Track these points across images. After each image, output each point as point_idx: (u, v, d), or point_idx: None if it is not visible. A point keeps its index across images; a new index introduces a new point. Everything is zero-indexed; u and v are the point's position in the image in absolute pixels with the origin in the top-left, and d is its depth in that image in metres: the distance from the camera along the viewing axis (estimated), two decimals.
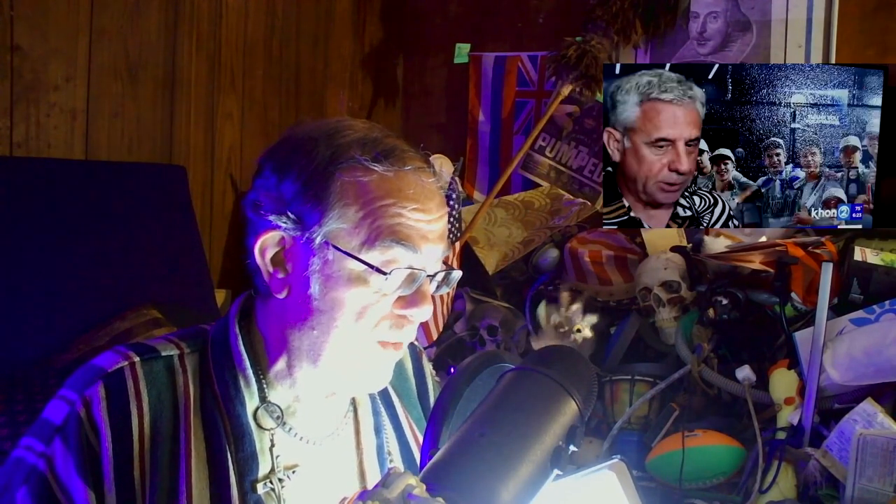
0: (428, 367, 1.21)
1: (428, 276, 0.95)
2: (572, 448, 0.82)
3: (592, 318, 2.28)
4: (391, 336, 0.96)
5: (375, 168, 0.92)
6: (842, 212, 1.96)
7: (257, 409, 0.96)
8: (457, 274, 1.01)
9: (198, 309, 2.18)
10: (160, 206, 2.24)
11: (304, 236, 0.92)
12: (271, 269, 0.95)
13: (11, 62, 1.96)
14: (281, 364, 0.98)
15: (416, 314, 0.95)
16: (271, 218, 0.93)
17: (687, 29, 2.58)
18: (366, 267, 0.91)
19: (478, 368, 0.95)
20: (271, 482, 0.94)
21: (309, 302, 0.93)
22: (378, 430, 1.07)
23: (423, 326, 2.34)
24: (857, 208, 1.97)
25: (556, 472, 0.80)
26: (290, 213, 0.92)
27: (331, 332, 0.93)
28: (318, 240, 0.92)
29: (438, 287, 0.99)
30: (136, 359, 0.94)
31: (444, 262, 0.99)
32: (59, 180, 2.02)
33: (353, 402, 1.07)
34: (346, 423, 1.05)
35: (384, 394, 1.11)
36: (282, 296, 0.95)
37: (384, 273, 0.91)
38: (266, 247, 0.95)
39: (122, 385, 0.92)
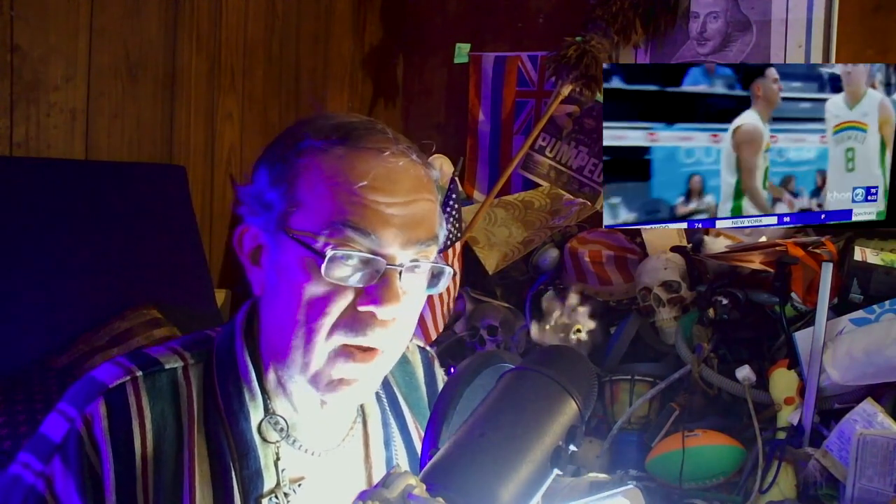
0: (440, 374, 1.16)
1: (392, 266, 0.86)
2: (572, 448, 0.81)
3: (592, 318, 2.28)
4: (352, 338, 0.87)
5: (328, 149, 0.87)
6: (857, 194, 1.96)
7: (261, 422, 0.93)
8: (448, 270, 0.92)
9: (198, 309, 2.18)
10: (160, 206, 2.24)
11: (267, 226, 0.89)
12: (251, 265, 0.93)
13: (11, 62, 1.96)
14: (271, 373, 0.94)
15: (380, 312, 0.85)
16: (246, 211, 0.92)
17: (687, 29, 2.58)
18: (313, 253, 0.84)
19: (478, 368, 0.93)
20: (277, 496, 0.91)
21: (276, 297, 0.89)
22: (387, 443, 1.03)
23: (422, 326, 2.33)
24: (873, 190, 1.98)
25: (556, 472, 0.80)
26: (258, 206, 0.90)
27: (294, 331, 0.87)
28: (275, 227, 0.88)
29: (431, 285, 0.91)
30: (139, 373, 0.90)
31: (444, 259, 0.95)
32: (59, 180, 2.02)
33: (363, 414, 1.03)
34: (353, 435, 1.01)
35: (394, 404, 1.06)
36: (259, 293, 0.93)
37: (322, 256, 0.83)
38: (243, 241, 0.93)
39: (125, 402, 0.88)
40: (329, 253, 0.83)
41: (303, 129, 0.91)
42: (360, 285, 0.86)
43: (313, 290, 0.86)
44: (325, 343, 0.87)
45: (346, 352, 0.88)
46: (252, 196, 0.92)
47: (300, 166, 0.87)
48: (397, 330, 0.90)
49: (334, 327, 0.87)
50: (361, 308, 0.86)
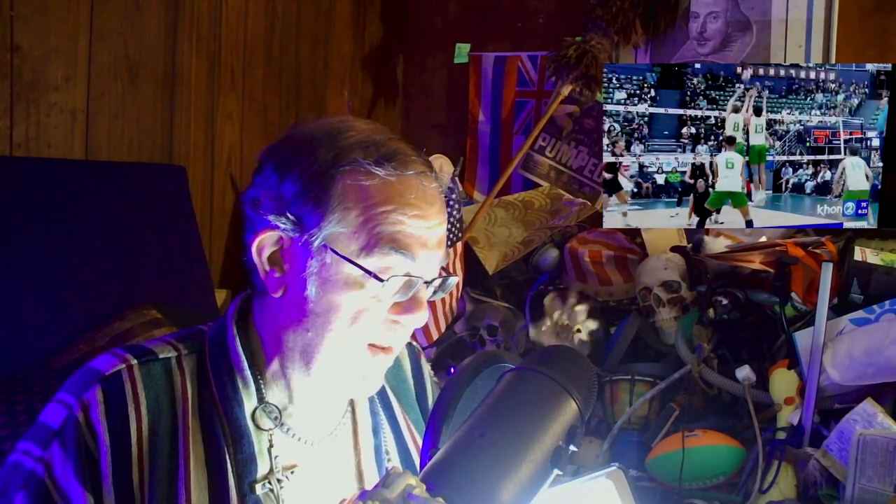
0: (426, 369, 1.20)
1: (424, 282, 0.95)
2: (572, 448, 0.82)
3: (592, 318, 2.28)
4: (382, 340, 0.95)
5: (377, 172, 0.90)
6: (847, 208, 1.97)
7: (255, 409, 0.96)
8: (453, 280, 1.00)
9: (198, 309, 2.18)
10: (160, 206, 2.24)
11: (302, 238, 0.92)
12: (268, 268, 0.95)
13: (11, 62, 1.96)
14: (276, 364, 0.98)
15: (410, 321, 0.95)
16: (270, 217, 0.93)
17: (687, 29, 2.58)
18: (363, 272, 0.91)
19: (478, 368, 0.95)
20: (270, 482, 0.94)
21: (305, 303, 0.93)
22: (376, 431, 1.07)
23: (423, 327, 2.34)
24: (863, 204, 1.98)
25: (556, 472, 0.80)
26: (289, 214, 0.92)
27: (325, 335, 0.93)
28: (316, 242, 0.91)
29: (435, 293, 0.98)
30: (134, 361, 0.93)
31: (442, 268, 0.99)
32: (59, 180, 2.02)
33: (351, 403, 1.07)
34: (343, 424, 1.05)
35: (382, 395, 1.10)
36: (278, 295, 0.95)
37: (381, 280, 0.91)
38: (263, 246, 0.94)
39: (120, 388, 0.91)
40: (387, 276, 0.91)
41: (335, 142, 0.93)
42: (396, 300, 0.94)
43: (355, 302, 0.92)
44: (357, 346, 0.95)
45: (371, 352, 0.96)
46: (272, 199, 0.93)
47: (345, 186, 0.91)
48: (409, 332, 0.98)
49: (368, 333, 0.94)
50: (394, 318, 0.94)
